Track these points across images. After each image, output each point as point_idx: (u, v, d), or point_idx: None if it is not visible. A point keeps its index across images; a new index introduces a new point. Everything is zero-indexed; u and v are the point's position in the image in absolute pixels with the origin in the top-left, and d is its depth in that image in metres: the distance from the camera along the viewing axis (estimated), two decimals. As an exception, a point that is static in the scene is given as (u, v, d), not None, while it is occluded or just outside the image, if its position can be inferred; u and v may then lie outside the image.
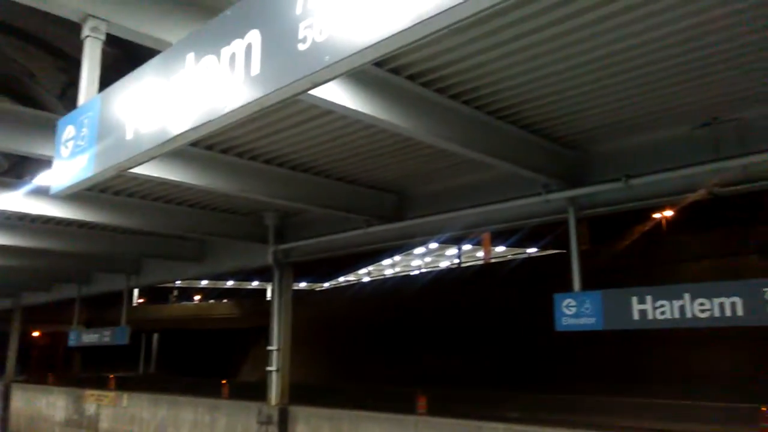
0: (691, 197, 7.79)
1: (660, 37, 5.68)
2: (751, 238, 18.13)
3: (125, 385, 21.81)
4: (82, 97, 4.76)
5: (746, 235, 18.37)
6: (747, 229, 18.59)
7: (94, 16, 4.77)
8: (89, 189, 9.60)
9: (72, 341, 19.90)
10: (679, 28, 5.53)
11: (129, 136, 4.34)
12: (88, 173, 4.73)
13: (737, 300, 6.82)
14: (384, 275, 43.06)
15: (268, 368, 13.23)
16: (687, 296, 7.16)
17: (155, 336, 45.51)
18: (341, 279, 44.78)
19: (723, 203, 9.25)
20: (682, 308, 7.17)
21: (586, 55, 6.03)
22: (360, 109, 6.07)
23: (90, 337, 19.14)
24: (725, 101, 7.17)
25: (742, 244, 18.18)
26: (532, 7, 5.17)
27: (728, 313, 6.86)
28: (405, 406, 12.63)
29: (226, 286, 48.38)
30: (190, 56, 3.84)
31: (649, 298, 7.42)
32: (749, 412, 11.34)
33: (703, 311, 7.03)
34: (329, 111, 6.78)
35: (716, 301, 6.95)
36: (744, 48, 5.92)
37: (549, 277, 12.75)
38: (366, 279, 42.72)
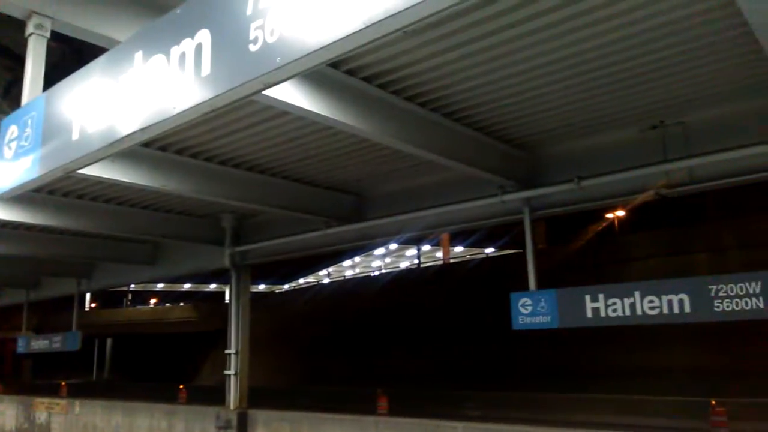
0: (641, 198, 8.02)
1: (606, 43, 5.82)
2: (697, 237, 18.77)
3: (78, 392, 21.21)
4: (26, 97, 4.62)
5: (693, 234, 19.01)
6: (694, 228, 19.24)
7: (38, 13, 4.63)
8: (36, 190, 9.31)
9: (21, 348, 19.22)
10: (629, 34, 5.67)
11: (75, 136, 4.23)
12: (33, 174, 4.59)
13: (684, 297, 7.03)
14: (344, 276, 42.96)
15: (227, 372, 13.04)
16: (637, 294, 7.35)
17: (109, 341, 44.34)
18: (301, 281, 44.48)
19: (671, 203, 9.53)
20: (632, 306, 7.35)
21: (538, 60, 6.14)
22: (316, 111, 6.04)
23: (40, 344, 18.54)
24: (672, 105, 7.41)
25: (690, 242, 18.81)
26: (486, 11, 5.23)
27: (676, 310, 7.07)
28: (367, 407, 12.64)
29: (182, 290, 47.53)
30: (139, 55, 3.76)
31: (601, 297, 7.59)
32: (703, 405, 11.77)
33: (652, 308, 7.23)
34: (285, 112, 6.71)
35: (665, 298, 7.16)
36: (688, 54, 6.12)
37: (507, 277, 12.92)
38: (326, 280, 42.54)
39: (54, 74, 4.89)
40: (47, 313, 30.62)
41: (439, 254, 35.78)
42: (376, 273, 40.44)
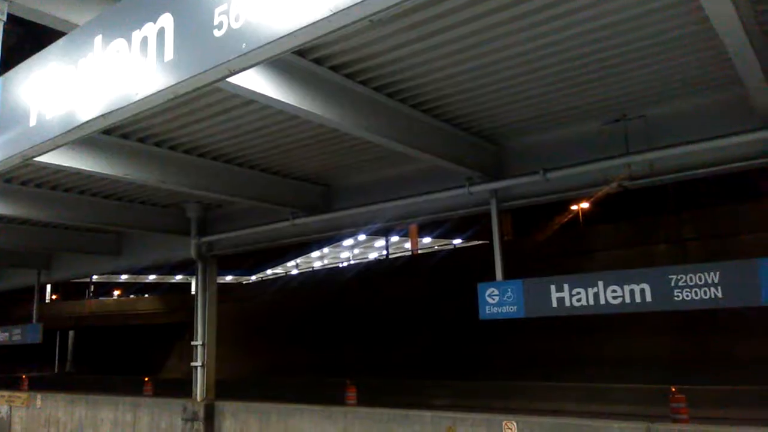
0: (604, 190, 8.16)
1: (570, 37, 5.89)
2: (659, 228, 19.21)
3: (40, 386, 20.76)
4: (-20, 81, 4.45)
5: (655, 225, 19.45)
6: (655, 219, 19.69)
7: (-7, -5, 4.45)
8: (-7, 179, 9.03)
9: (-22, 341, 18.68)
10: (593, 28, 5.75)
11: (33, 122, 4.12)
12: (-11, 162, 4.44)
13: (646, 287, 7.19)
14: (313, 267, 42.84)
15: (193, 363, 12.89)
16: (601, 284, 7.49)
17: (71, 333, 43.46)
18: (269, 272, 44.19)
19: (634, 195, 9.72)
20: (596, 295, 7.49)
21: (503, 52, 6.18)
22: (283, 100, 5.97)
23: (-1, 336, 18.08)
24: (634, 99, 7.54)
25: (651, 233, 19.25)
26: (453, 3, 5.23)
27: (638, 299, 7.22)
28: (336, 398, 12.63)
29: (147, 281, 46.81)
30: (98, 39, 3.66)
31: (566, 286, 7.71)
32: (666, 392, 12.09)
33: (615, 298, 7.38)
34: (251, 101, 6.63)
35: (627, 288, 7.31)
36: (650, 49, 6.23)
37: (475, 267, 13.03)
38: (294, 272, 42.36)
39: (10, 58, 4.73)
40: (7, 304, 29.85)
41: (408, 245, 35.91)
42: (345, 264, 40.42)
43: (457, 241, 32.71)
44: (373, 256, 41.32)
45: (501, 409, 12.87)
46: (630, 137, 7.81)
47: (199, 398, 12.64)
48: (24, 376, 21.33)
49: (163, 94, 3.43)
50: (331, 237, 13.03)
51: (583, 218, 24.18)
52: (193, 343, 12.96)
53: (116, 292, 47.51)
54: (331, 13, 2.78)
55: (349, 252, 43.37)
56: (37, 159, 5.27)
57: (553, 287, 7.79)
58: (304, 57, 6.06)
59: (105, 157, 8.09)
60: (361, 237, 35.24)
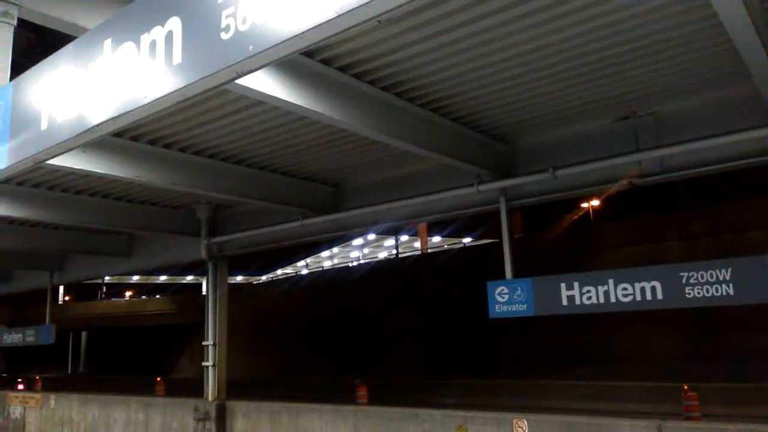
0: (614, 187, 8.12)
1: (579, 33, 5.85)
2: (669, 226, 19.09)
3: (53, 386, 20.96)
4: (-8, 86, 4.50)
5: (665, 222, 19.33)
6: (666, 217, 19.56)
7: (4, 0, 4.51)
8: (5, 182, 9.12)
9: (-7, 342, 18.89)
10: (602, 24, 5.71)
11: (44, 126, 4.16)
12: (2, 165, 4.51)
13: (657, 284, 7.14)
14: (322, 267, 42.89)
15: (205, 363, 12.96)
16: (611, 282, 7.44)
17: (84, 334, 43.83)
18: (279, 272, 44.30)
19: (644, 193, 9.67)
20: (606, 293, 7.44)
21: (510, 50, 6.15)
22: (291, 100, 5.98)
23: (12, 337, 18.27)
24: (643, 95, 7.49)
25: (662, 231, 19.13)
26: (459, 2, 5.23)
27: (649, 296, 7.17)
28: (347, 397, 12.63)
29: (158, 282, 47.09)
30: (108, 43, 3.70)
31: (576, 284, 7.66)
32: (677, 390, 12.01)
33: (625, 296, 7.33)
34: (260, 102, 6.65)
35: (638, 285, 7.26)
36: (660, 45, 6.19)
37: (485, 266, 13.01)
38: (304, 271, 42.44)
39: (22, 62, 4.79)
40: (20, 306, 30.15)
41: (417, 244, 35.85)
42: (355, 263, 40.44)
43: (467, 240, 32.63)
44: (383, 255, 41.29)
45: (512, 407, 12.82)
46: (640, 134, 7.76)
47: (210, 398, 12.71)
48: (37, 377, 21.54)
49: (172, 96, 3.46)
50: (340, 237, 13.05)
51: (593, 215, 24.05)
52: (204, 343, 13.04)
53: (128, 293, 47.83)
54: (337, 14, 2.79)
55: (359, 251, 43.37)
56: (48, 162, 5.33)
57: (563, 285, 7.75)
58: (311, 58, 6.07)
59: (116, 160, 8.15)
60: (371, 236, 35.25)
